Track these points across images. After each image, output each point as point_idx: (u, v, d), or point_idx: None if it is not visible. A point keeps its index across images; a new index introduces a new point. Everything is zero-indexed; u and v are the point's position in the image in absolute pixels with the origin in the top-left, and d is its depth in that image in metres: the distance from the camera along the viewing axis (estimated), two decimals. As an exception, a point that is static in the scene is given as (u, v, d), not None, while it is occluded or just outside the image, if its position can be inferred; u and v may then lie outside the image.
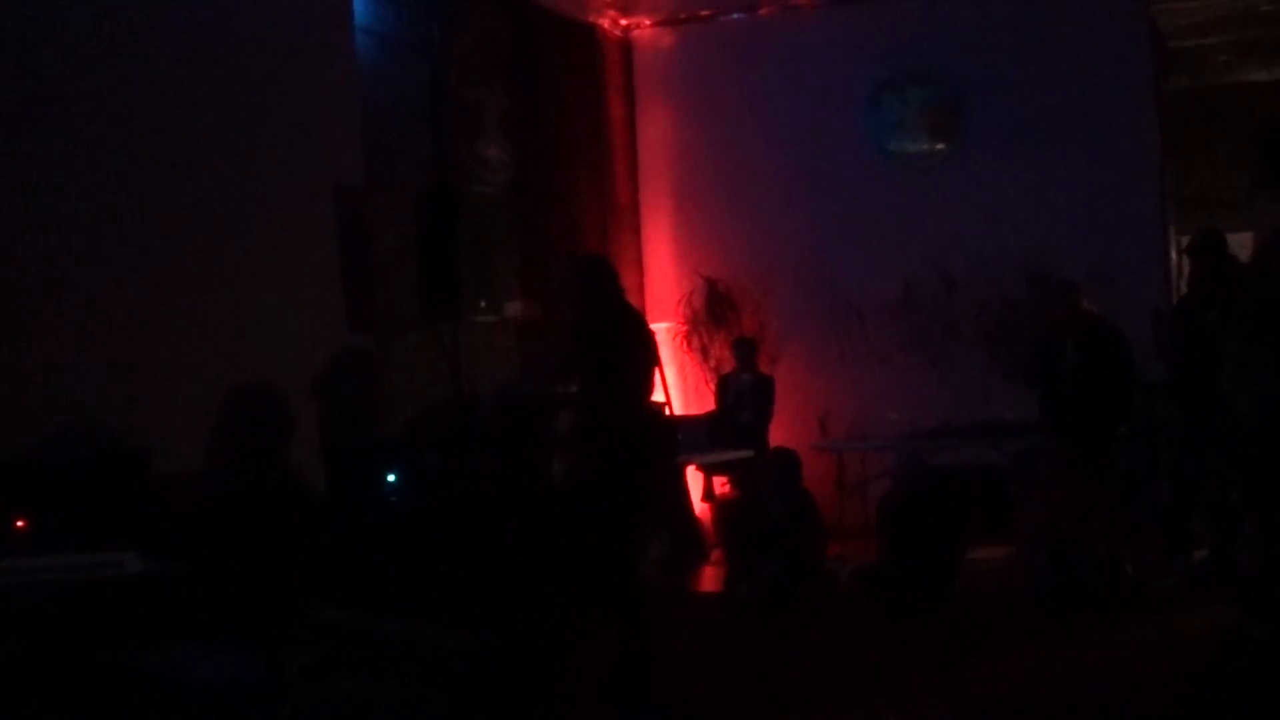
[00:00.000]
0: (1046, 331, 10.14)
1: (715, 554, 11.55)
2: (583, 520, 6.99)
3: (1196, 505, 9.51)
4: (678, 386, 13.36)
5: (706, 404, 12.83)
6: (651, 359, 7.33)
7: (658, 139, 13.81)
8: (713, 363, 13.13)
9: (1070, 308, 9.93)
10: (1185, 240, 10.87)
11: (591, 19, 13.19)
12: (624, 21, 13.63)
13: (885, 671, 7.58)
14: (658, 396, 7.52)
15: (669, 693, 7.13)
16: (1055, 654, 7.72)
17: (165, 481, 7.00)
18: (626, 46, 13.86)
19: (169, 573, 5.92)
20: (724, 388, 12.46)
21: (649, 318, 13.20)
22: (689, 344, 13.28)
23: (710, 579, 10.94)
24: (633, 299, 13.00)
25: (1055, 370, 9.75)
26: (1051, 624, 8.43)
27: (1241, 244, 9.85)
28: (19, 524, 6.31)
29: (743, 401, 12.22)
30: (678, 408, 12.97)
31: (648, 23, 13.72)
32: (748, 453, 11.55)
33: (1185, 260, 10.18)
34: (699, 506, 12.34)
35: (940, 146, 12.90)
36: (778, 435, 11.99)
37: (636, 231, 13.78)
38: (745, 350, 12.40)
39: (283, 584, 6.88)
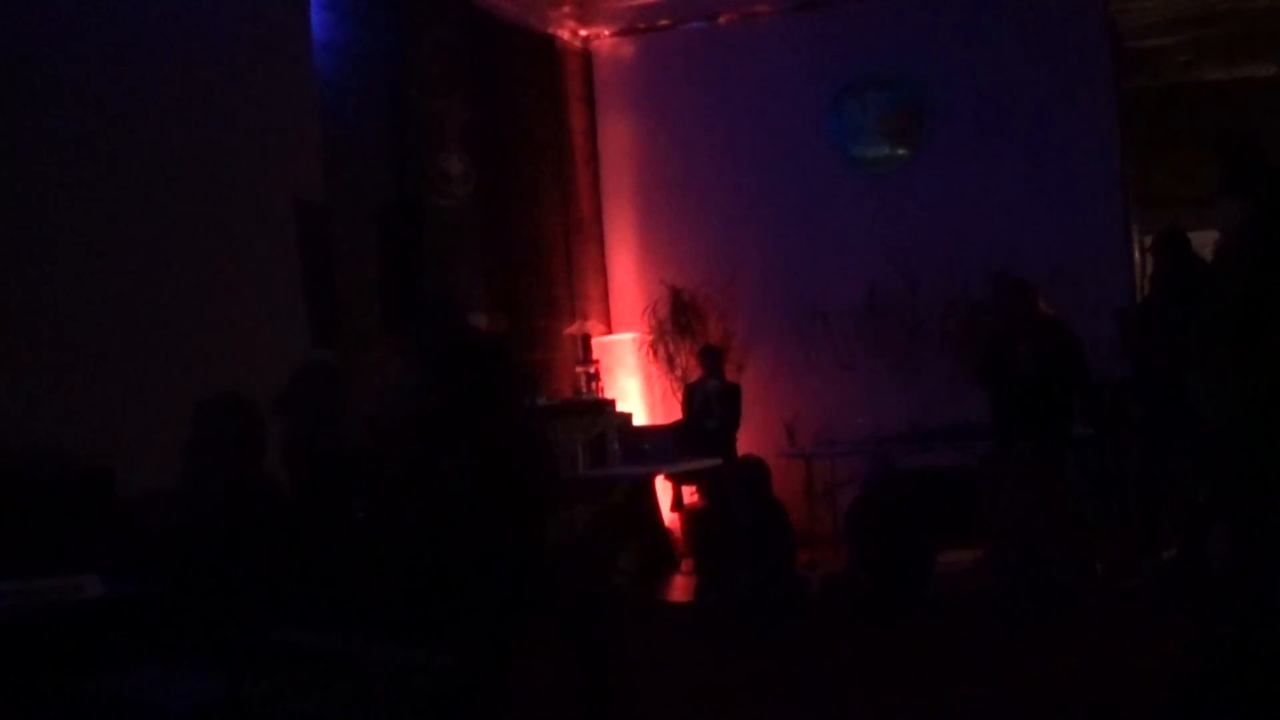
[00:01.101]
0: (1001, 332, 10.16)
1: (685, 563, 11.52)
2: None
3: (1164, 504, 9.53)
4: (644, 396, 13.34)
5: (673, 413, 12.81)
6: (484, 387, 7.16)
7: (619, 149, 13.80)
8: (679, 372, 13.11)
9: (1025, 308, 9.95)
10: (1148, 239, 10.90)
11: (551, 30, 13.17)
12: (583, 32, 13.61)
13: (858, 678, 7.58)
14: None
15: (639, 704, 7.09)
16: (1027, 656, 7.73)
17: (127, 503, 6.93)
18: (586, 57, 13.85)
19: (130, 596, 5.87)
20: (691, 396, 12.44)
21: (614, 327, 13.22)
22: (655, 353, 13.25)
23: (680, 588, 10.92)
24: (596, 309, 13.06)
25: (1007, 371, 9.76)
26: (1023, 625, 8.44)
27: (1204, 243, 9.87)
28: (-20, 548, 6.24)
29: (710, 409, 12.20)
30: (643, 418, 12.95)
31: (607, 33, 13.70)
32: (715, 461, 11.53)
33: (1149, 259, 10.20)
34: (668, 516, 12.32)
35: (902, 151, 12.92)
36: (745, 443, 11.97)
37: (600, 241, 13.76)
38: (712, 358, 12.38)
39: (246, 605, 6.83)
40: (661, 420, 12.88)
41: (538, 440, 7.63)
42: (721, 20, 13.42)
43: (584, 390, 12.35)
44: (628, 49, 13.79)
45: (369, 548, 7.91)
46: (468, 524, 6.77)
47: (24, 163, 7.21)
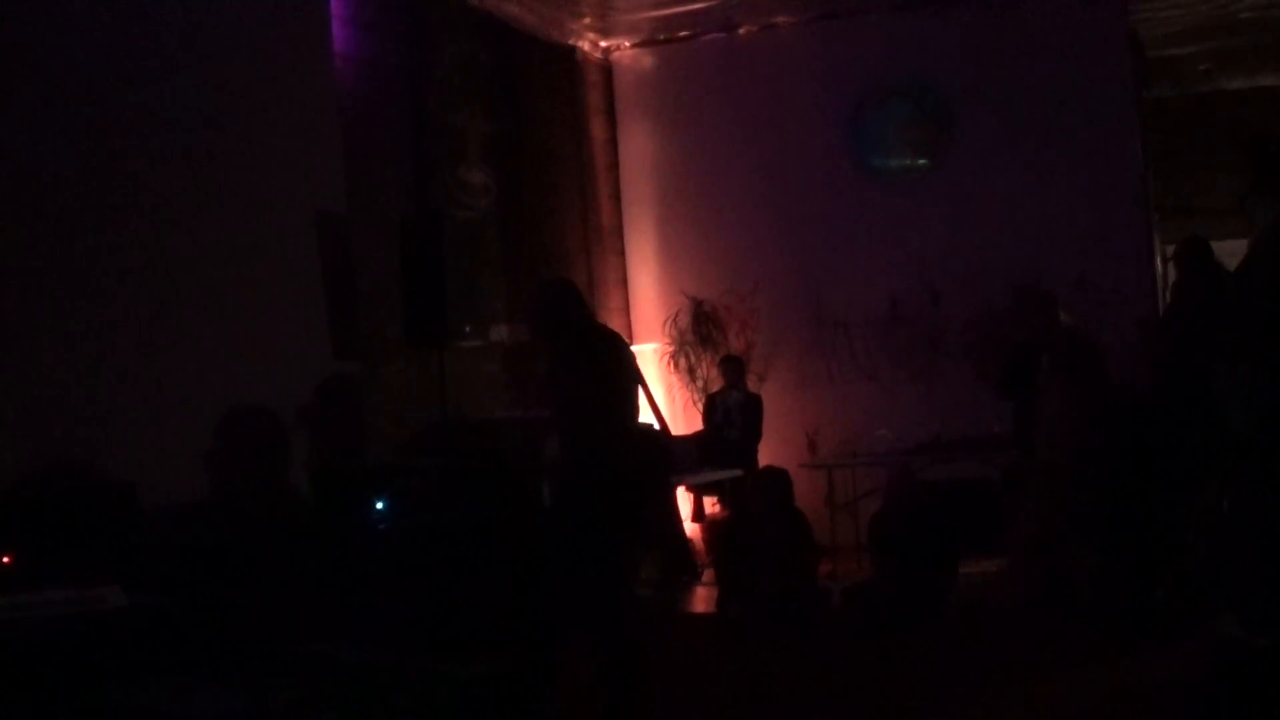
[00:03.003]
0: (1023, 343, 10.14)
1: (707, 574, 11.50)
2: (568, 548, 6.88)
3: (1188, 515, 9.48)
4: (665, 407, 13.31)
5: (694, 424, 12.81)
6: (627, 380, 7.19)
7: (640, 160, 13.81)
8: (700, 383, 13.11)
9: (1047, 319, 9.92)
10: (1170, 249, 10.87)
11: (571, 42, 13.19)
12: (604, 44, 13.62)
13: (880, 691, 7.55)
14: (647, 416, 7.37)
15: (662, 715, 7.08)
16: (1050, 667, 7.69)
17: (150, 514, 6.94)
18: (607, 69, 13.86)
19: (152, 607, 5.87)
20: (712, 407, 12.43)
21: (634, 339, 13.21)
22: (675, 364, 13.25)
23: (702, 599, 10.89)
24: (617, 320, 13.04)
25: (1029, 382, 9.73)
26: (1046, 636, 8.40)
27: (1227, 252, 9.84)
28: (5, 560, 6.25)
29: (731, 420, 12.20)
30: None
31: (627, 44, 13.72)
32: (737, 472, 11.52)
33: (1171, 269, 10.17)
34: (689, 526, 12.30)
35: (923, 161, 12.90)
36: (767, 454, 11.96)
37: (620, 253, 13.76)
38: (733, 369, 12.38)
39: (269, 616, 6.83)
40: (682, 431, 12.87)
41: (659, 446, 7.63)
42: (741, 31, 13.42)
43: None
44: (648, 60, 13.80)
45: (391, 559, 7.91)
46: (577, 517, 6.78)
47: (48, 181, 7.23)
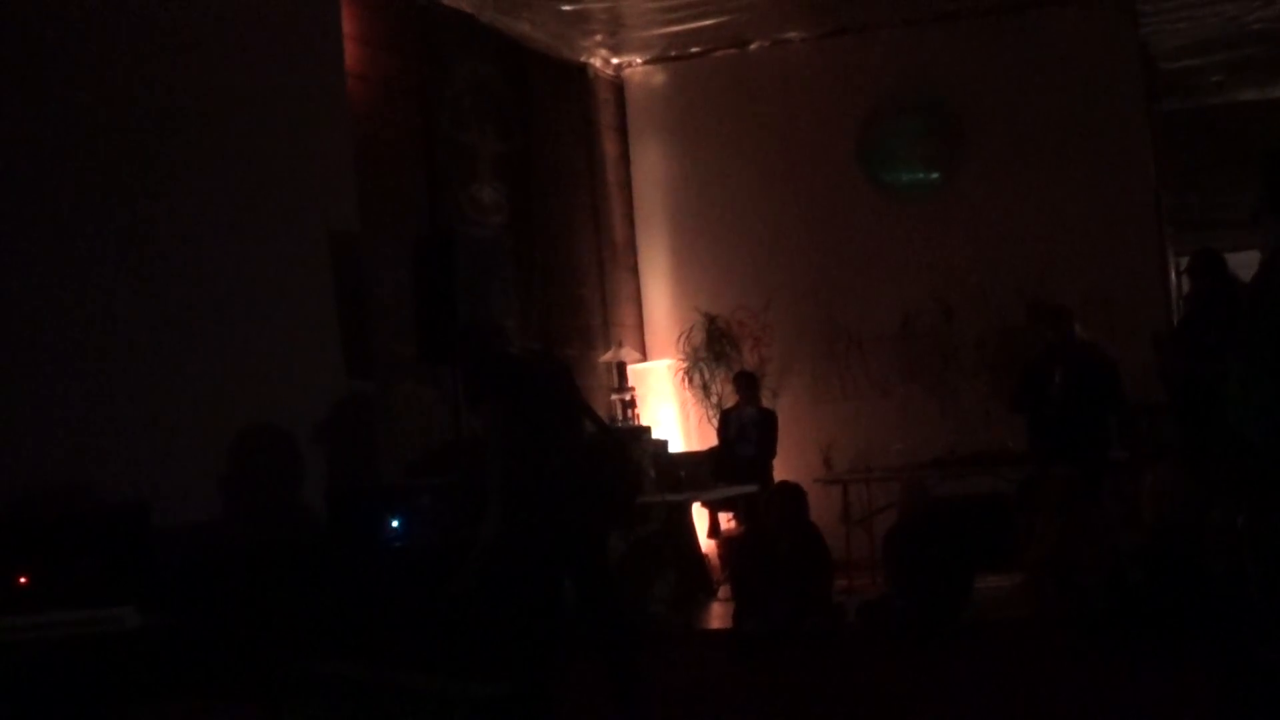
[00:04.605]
0: (1037, 357, 10.13)
1: (722, 590, 11.49)
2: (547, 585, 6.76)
3: (1203, 529, 9.45)
4: (679, 423, 13.34)
5: (709, 440, 12.81)
6: (544, 409, 6.95)
7: (652, 176, 13.82)
8: (714, 398, 13.11)
9: (1062, 333, 9.92)
10: (1183, 262, 10.85)
11: (582, 59, 13.21)
12: (615, 61, 13.64)
13: (896, 706, 7.53)
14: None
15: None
16: (1065, 683, 7.67)
17: (164, 534, 6.94)
18: (618, 85, 13.88)
19: (167, 627, 5.88)
20: (726, 423, 12.43)
21: (648, 355, 13.22)
22: (689, 380, 13.25)
23: (718, 615, 10.88)
24: (631, 336, 13.05)
25: (1043, 396, 9.72)
26: (1061, 652, 8.38)
27: (1240, 264, 9.82)
28: (20, 580, 6.27)
29: (745, 436, 12.19)
30: (679, 445, 12.93)
31: (639, 61, 13.74)
32: (752, 488, 11.51)
33: (1184, 281, 10.16)
34: (705, 543, 12.29)
35: (935, 176, 12.90)
36: (781, 469, 11.96)
37: (633, 269, 13.78)
38: (747, 384, 12.37)
39: (282, 636, 6.83)
40: (697, 447, 12.87)
41: (611, 457, 7.48)
42: (753, 47, 13.43)
43: (620, 418, 12.35)
44: (659, 77, 13.82)
45: (405, 577, 7.91)
46: (533, 540, 6.64)
47: (62, 202, 7.25)
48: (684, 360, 13.32)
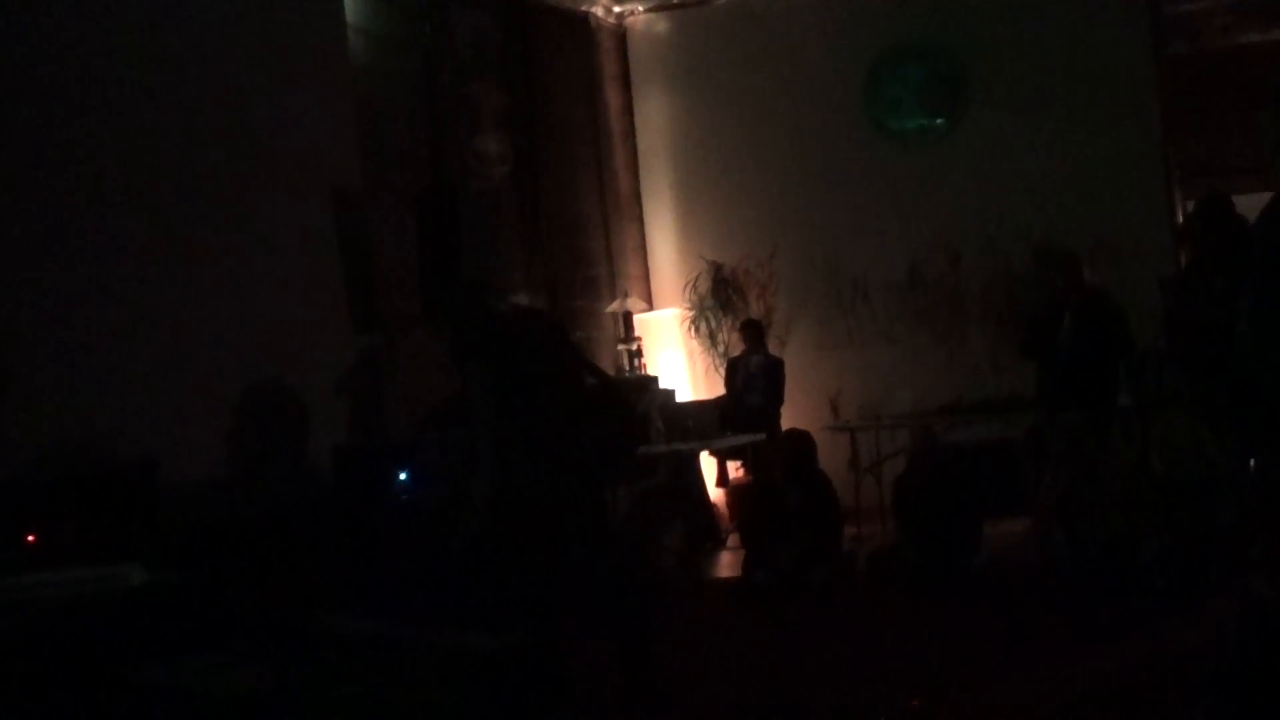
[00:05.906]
0: (1046, 304, 10.09)
1: (731, 539, 11.50)
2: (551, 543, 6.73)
3: (1213, 477, 9.44)
4: (687, 372, 13.33)
5: (716, 389, 12.80)
6: (536, 364, 6.87)
7: (656, 126, 13.76)
8: (721, 347, 13.09)
9: (1071, 280, 9.88)
10: (1190, 206, 10.79)
11: (584, 8, 13.13)
12: (617, 9, 13.56)
13: (905, 653, 7.55)
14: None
15: (686, 682, 7.09)
16: (1073, 629, 7.68)
17: (171, 491, 6.96)
18: (621, 34, 13.80)
19: (173, 583, 5.90)
20: (733, 371, 12.42)
21: (654, 305, 13.20)
22: (696, 330, 13.24)
23: (726, 565, 10.90)
24: (636, 286, 13.03)
25: (1052, 342, 9.70)
26: (1070, 599, 8.39)
27: (1246, 208, 9.78)
28: (28, 539, 6.29)
29: (752, 384, 12.17)
30: (686, 394, 12.93)
31: (641, 9, 13.65)
32: (760, 436, 11.50)
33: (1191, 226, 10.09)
34: (713, 492, 12.30)
35: (940, 122, 12.82)
36: (789, 417, 11.94)
37: (638, 219, 13.73)
38: (753, 333, 12.35)
39: (289, 591, 6.84)
40: (704, 396, 12.87)
41: (612, 409, 7.44)
42: (756, -7, 13.36)
43: (626, 368, 12.35)
44: (662, 25, 13.73)
45: (413, 532, 7.92)
46: (529, 496, 6.62)
47: (63, 161, 7.24)
48: (690, 309, 13.30)
